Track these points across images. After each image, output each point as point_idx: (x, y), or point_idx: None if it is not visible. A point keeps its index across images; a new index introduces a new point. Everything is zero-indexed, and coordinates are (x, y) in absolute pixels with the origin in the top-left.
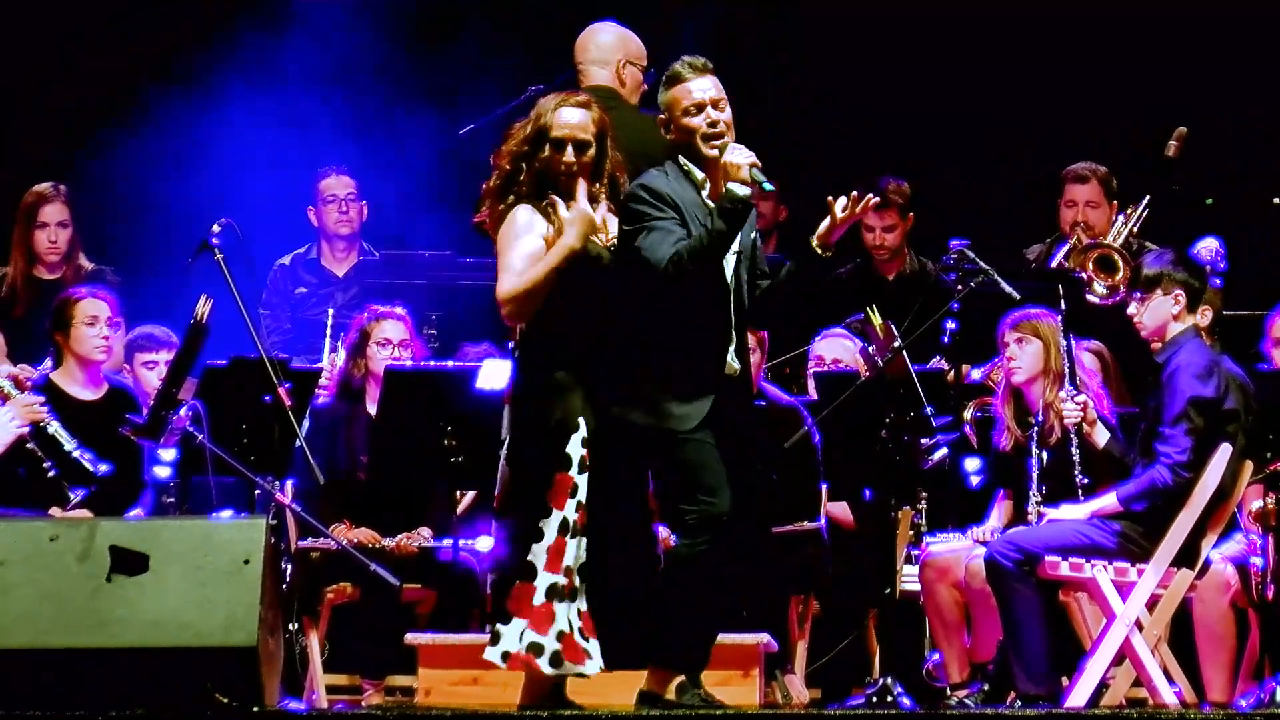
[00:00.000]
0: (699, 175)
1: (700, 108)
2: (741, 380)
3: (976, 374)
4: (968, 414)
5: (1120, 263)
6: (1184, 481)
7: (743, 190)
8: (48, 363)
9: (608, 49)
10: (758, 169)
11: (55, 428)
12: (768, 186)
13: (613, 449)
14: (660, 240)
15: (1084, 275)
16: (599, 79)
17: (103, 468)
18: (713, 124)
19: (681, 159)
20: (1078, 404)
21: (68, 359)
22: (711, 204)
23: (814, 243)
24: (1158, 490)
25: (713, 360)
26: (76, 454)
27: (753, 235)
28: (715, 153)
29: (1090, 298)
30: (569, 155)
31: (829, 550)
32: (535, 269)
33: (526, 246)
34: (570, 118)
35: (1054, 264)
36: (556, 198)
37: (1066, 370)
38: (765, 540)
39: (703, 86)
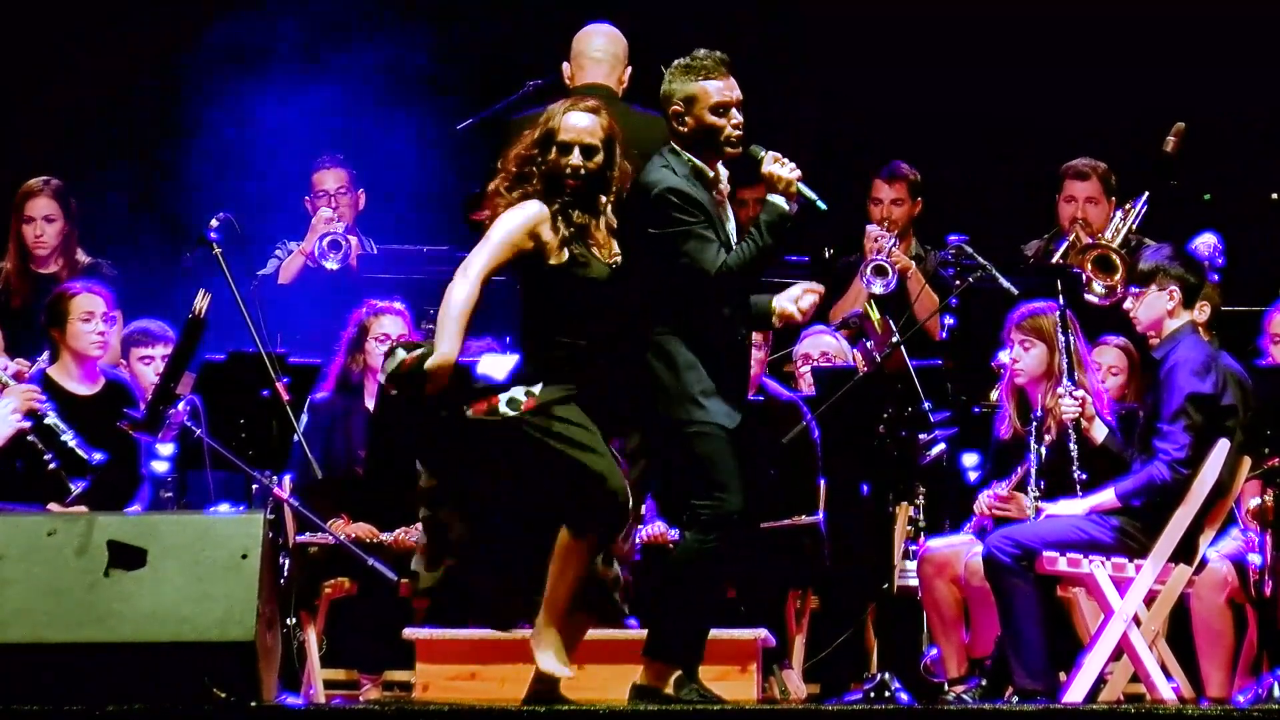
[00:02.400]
0: (710, 173)
1: (727, 108)
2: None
3: (1005, 356)
4: (995, 395)
5: (1118, 263)
6: (1182, 479)
7: (787, 205)
8: (45, 356)
9: (615, 54)
10: (803, 183)
11: (52, 418)
12: (821, 205)
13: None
14: (703, 248)
15: (1083, 275)
16: (595, 77)
17: (97, 456)
18: (737, 127)
19: (687, 154)
20: (1076, 399)
21: (64, 354)
22: (718, 196)
23: (773, 308)
24: (1156, 487)
25: (744, 355)
26: (73, 444)
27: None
28: (733, 152)
29: (1089, 297)
30: (575, 158)
31: (828, 545)
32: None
33: (505, 236)
34: (579, 122)
35: (1053, 261)
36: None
37: (1065, 366)
38: (760, 536)
39: (730, 86)
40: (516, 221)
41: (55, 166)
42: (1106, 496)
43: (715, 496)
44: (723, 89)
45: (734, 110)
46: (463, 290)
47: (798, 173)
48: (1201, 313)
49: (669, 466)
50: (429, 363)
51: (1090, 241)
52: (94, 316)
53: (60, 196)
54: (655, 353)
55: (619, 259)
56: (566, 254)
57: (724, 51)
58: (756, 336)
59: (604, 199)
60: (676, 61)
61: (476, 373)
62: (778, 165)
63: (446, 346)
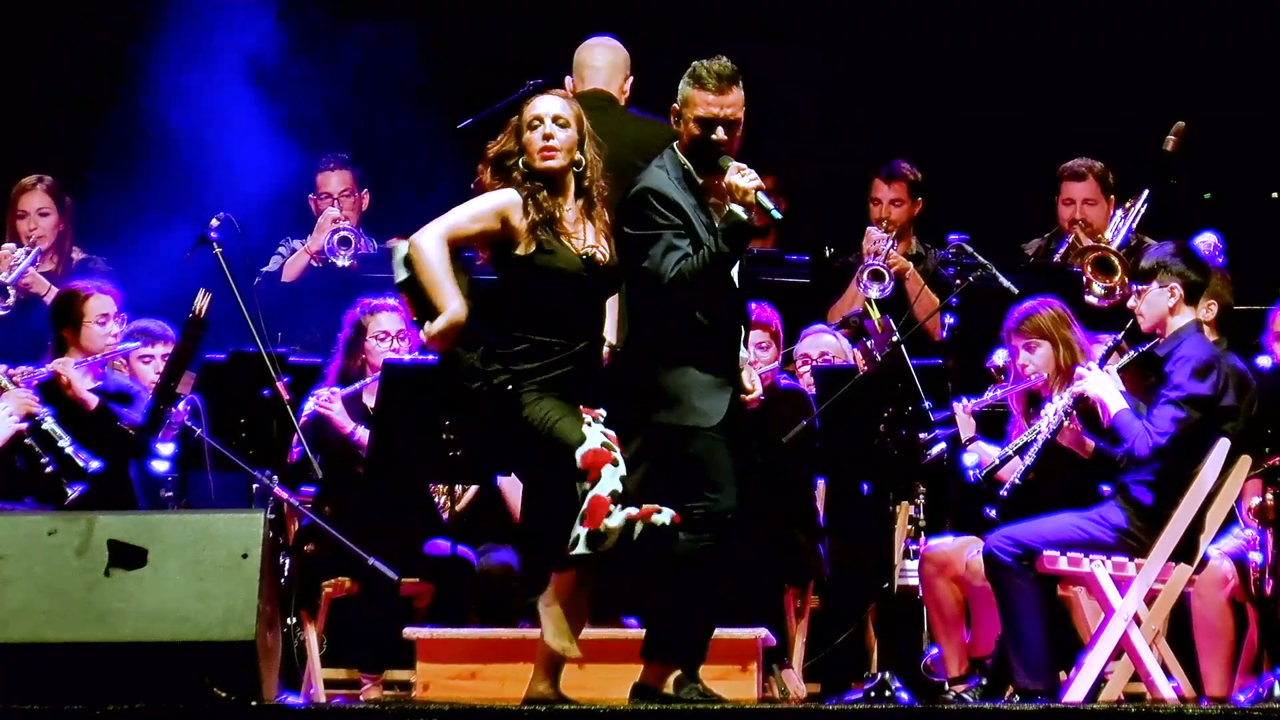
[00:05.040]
0: (699, 179)
1: (712, 122)
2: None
3: (999, 358)
4: (988, 393)
5: (1117, 264)
6: (1153, 458)
7: (745, 213)
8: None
9: (614, 63)
10: (763, 193)
11: (50, 424)
12: (776, 215)
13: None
14: (665, 253)
15: (1083, 276)
16: (595, 84)
17: (94, 464)
18: (716, 142)
19: (682, 156)
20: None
21: (72, 353)
22: (709, 199)
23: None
24: (1130, 450)
25: (729, 354)
26: (70, 451)
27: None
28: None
29: (1089, 299)
30: (548, 127)
31: (825, 539)
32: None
33: (473, 210)
34: (547, 102)
35: (1054, 261)
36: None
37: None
38: (760, 533)
39: (723, 101)
40: (487, 203)
41: (53, 165)
42: (1116, 402)
43: (708, 497)
44: (711, 102)
45: (719, 127)
46: (429, 246)
47: (757, 182)
48: (1208, 311)
49: (663, 468)
50: (437, 325)
51: (1089, 243)
52: (109, 319)
53: (54, 193)
54: (640, 353)
55: (594, 250)
56: (534, 244)
57: (724, 51)
58: (764, 337)
59: (580, 185)
60: (694, 64)
61: None
62: (738, 175)
63: (453, 304)
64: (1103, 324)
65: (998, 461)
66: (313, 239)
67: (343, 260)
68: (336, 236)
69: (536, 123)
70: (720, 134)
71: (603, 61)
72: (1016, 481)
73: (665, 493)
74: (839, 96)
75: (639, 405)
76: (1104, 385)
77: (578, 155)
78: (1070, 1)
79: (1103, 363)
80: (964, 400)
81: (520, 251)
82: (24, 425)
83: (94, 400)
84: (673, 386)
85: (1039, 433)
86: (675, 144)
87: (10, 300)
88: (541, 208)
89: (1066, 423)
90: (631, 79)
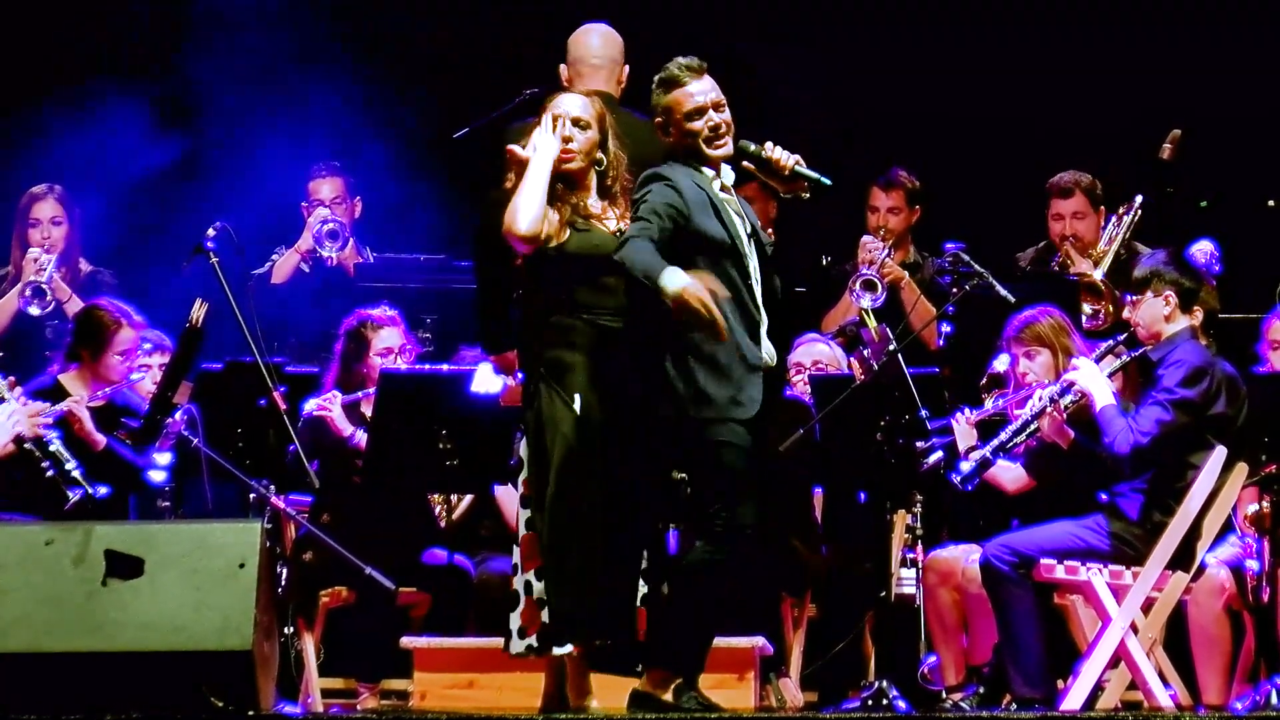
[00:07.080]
0: (708, 173)
1: (702, 112)
2: (773, 373)
3: (1000, 364)
4: (989, 403)
5: (1104, 291)
6: (1134, 460)
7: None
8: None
9: (612, 56)
10: (802, 165)
11: (56, 445)
12: (826, 182)
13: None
14: (635, 226)
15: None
16: (594, 83)
17: (101, 490)
18: (714, 127)
19: (680, 164)
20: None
21: (85, 372)
22: (722, 195)
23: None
24: (1110, 446)
25: (743, 351)
26: (76, 474)
27: (755, 223)
28: (719, 154)
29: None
30: (566, 130)
31: (821, 545)
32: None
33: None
34: (570, 101)
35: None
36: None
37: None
38: (770, 541)
39: (702, 89)
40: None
41: (53, 168)
42: (1105, 398)
43: (731, 509)
44: (694, 93)
45: (710, 112)
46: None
47: (796, 156)
48: (1198, 317)
49: (682, 467)
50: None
51: (1080, 268)
52: (131, 354)
53: (65, 202)
54: (669, 351)
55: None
56: (568, 231)
57: (722, 55)
58: None
59: (603, 184)
60: (657, 75)
61: (470, 389)
62: (776, 150)
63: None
64: (1102, 334)
65: (988, 455)
66: (302, 239)
67: (328, 251)
68: (325, 228)
69: (559, 119)
70: (714, 118)
71: (600, 58)
72: (987, 456)
73: (687, 498)
74: (839, 96)
75: (665, 400)
76: (1095, 378)
77: (599, 155)
78: (1070, 2)
79: (1099, 360)
80: (965, 411)
81: (555, 243)
82: (24, 430)
83: (102, 441)
84: (713, 387)
85: (1024, 415)
86: (670, 158)
87: (49, 299)
88: (567, 200)
89: (1051, 410)
90: (627, 68)
